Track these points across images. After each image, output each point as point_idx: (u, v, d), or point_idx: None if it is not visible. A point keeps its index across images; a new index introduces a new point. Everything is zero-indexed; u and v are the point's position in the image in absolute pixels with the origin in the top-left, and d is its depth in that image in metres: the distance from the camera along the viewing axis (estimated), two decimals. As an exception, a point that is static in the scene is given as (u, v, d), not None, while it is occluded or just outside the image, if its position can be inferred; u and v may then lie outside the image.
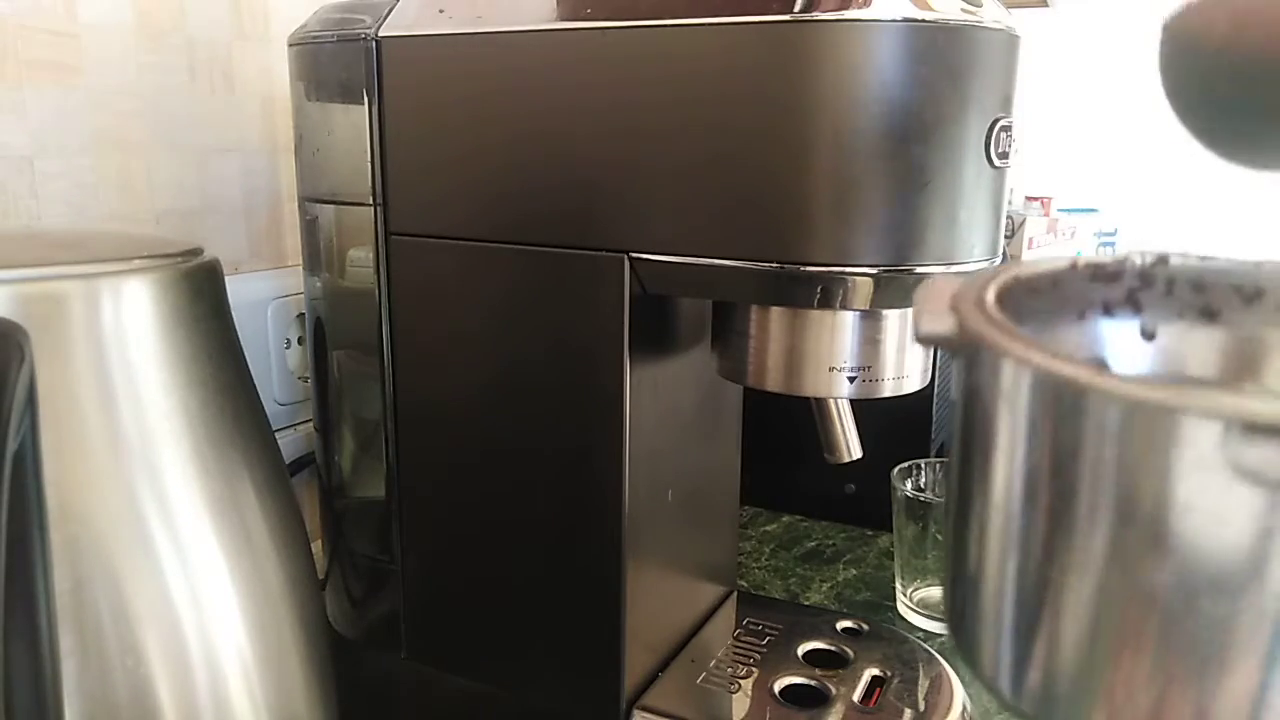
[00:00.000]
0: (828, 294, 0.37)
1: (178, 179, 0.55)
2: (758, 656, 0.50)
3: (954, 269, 0.37)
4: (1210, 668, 0.17)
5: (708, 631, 0.53)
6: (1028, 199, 1.04)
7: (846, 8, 0.34)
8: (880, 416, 0.50)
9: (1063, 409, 0.17)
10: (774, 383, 0.41)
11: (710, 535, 0.55)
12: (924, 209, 0.36)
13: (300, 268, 0.50)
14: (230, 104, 0.58)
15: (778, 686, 0.47)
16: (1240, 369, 0.23)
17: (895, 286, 0.37)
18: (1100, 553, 0.17)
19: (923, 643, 0.52)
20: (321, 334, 0.49)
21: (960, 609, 0.21)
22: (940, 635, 0.59)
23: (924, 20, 0.34)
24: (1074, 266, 0.23)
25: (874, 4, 0.34)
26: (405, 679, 0.51)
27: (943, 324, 0.20)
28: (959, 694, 0.47)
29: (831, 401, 0.44)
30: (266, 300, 0.60)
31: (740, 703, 0.46)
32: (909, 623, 0.61)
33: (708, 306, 0.46)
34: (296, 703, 0.38)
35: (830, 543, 0.73)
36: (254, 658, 0.35)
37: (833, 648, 0.51)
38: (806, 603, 0.63)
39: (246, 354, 0.39)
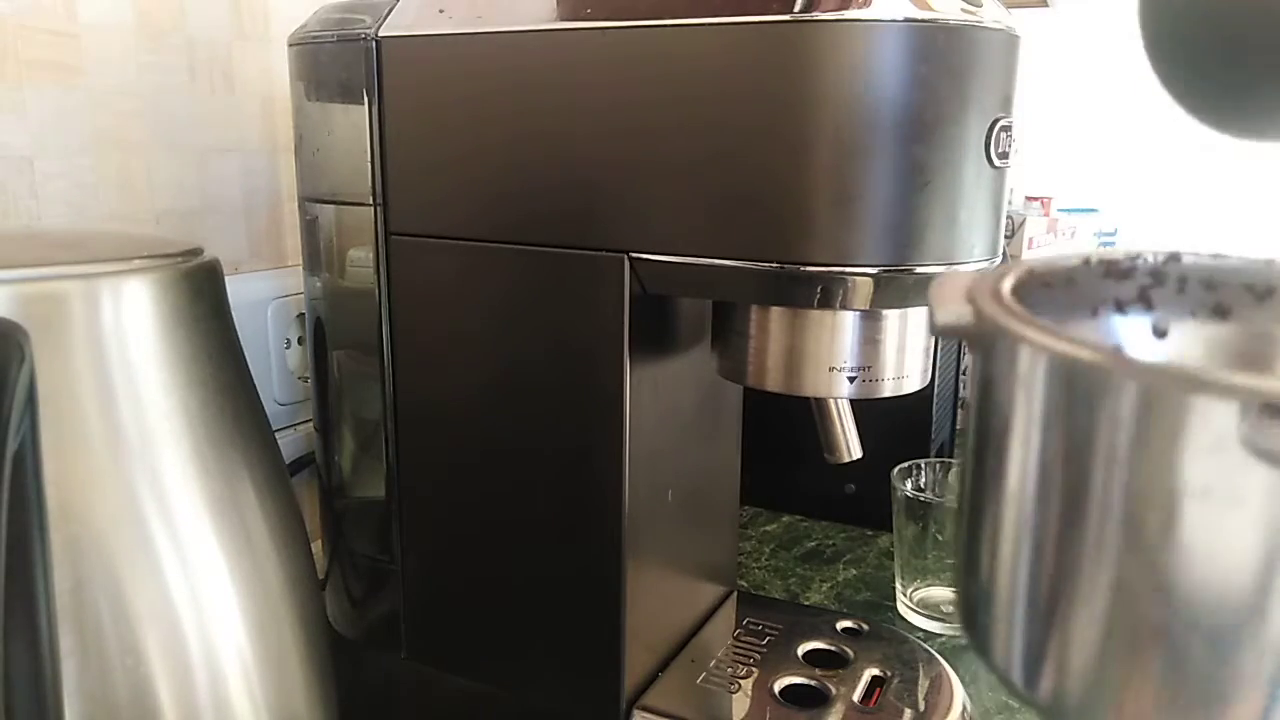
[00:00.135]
0: (828, 294, 0.37)
1: (178, 179, 0.55)
2: (758, 656, 0.50)
3: (954, 269, 0.37)
4: (1223, 655, 0.17)
5: (708, 631, 0.53)
6: (1028, 199, 1.04)
7: (846, 8, 0.34)
8: (880, 416, 0.51)
9: (1081, 392, 0.17)
10: (774, 383, 0.41)
11: (710, 535, 0.55)
12: (924, 209, 0.36)
13: (300, 268, 0.50)
14: (230, 104, 0.58)
15: (778, 686, 0.47)
16: (1252, 366, 0.23)
17: (895, 286, 0.37)
18: (1116, 540, 0.17)
19: (923, 643, 0.52)
20: (321, 334, 0.49)
21: (973, 603, 0.21)
22: (940, 635, 0.59)
23: (924, 20, 0.34)
24: (1087, 262, 0.23)
25: (874, 4, 0.34)
26: (405, 679, 0.51)
27: (959, 314, 0.20)
28: (959, 694, 0.47)
29: (831, 401, 0.44)
30: (266, 300, 0.60)
31: (740, 703, 0.46)
32: (909, 623, 0.61)
33: (708, 306, 0.46)
34: (296, 703, 0.38)
35: (830, 543, 0.73)
36: (254, 658, 0.35)
37: (833, 648, 0.51)
38: (806, 603, 0.63)
39: (246, 354, 0.39)
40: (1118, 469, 0.17)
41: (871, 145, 0.35)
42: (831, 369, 0.40)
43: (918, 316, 0.41)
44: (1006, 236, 0.91)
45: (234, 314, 0.38)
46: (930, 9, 0.34)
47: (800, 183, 0.36)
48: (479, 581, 0.47)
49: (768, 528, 0.75)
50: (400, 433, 0.47)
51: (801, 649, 0.50)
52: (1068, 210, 1.05)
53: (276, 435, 0.40)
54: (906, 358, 0.41)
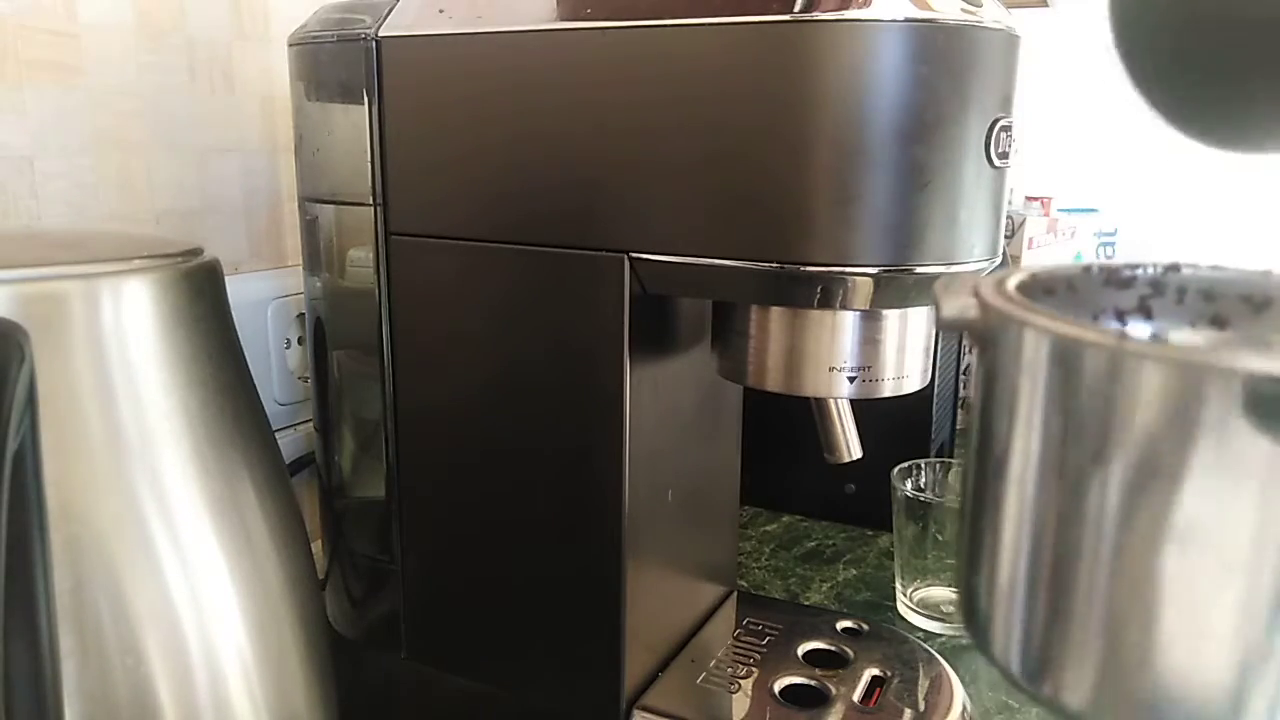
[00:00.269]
0: (828, 294, 0.37)
1: (178, 179, 0.56)
2: (758, 656, 0.50)
3: (954, 269, 0.37)
4: (1218, 634, 0.17)
5: (708, 631, 0.53)
6: (1028, 199, 1.04)
7: (846, 8, 0.34)
8: (880, 416, 0.50)
9: (1085, 375, 0.17)
10: (774, 383, 0.41)
11: (710, 535, 0.55)
12: (924, 209, 0.36)
13: (300, 268, 0.50)
14: (230, 104, 0.58)
15: (778, 686, 0.47)
16: None
17: (895, 286, 0.37)
18: (1118, 522, 0.17)
19: (923, 643, 0.52)
20: (321, 334, 0.49)
21: (975, 597, 0.22)
22: (940, 635, 0.59)
23: (924, 20, 0.34)
24: (1089, 271, 0.23)
25: (874, 4, 0.34)
26: (405, 679, 0.51)
27: (964, 307, 0.21)
28: (959, 694, 0.47)
29: (831, 401, 0.44)
30: (266, 300, 0.60)
31: (740, 703, 0.46)
32: (909, 623, 0.61)
33: (708, 306, 0.46)
34: (296, 703, 0.38)
35: (830, 543, 0.73)
36: (254, 658, 0.35)
37: (833, 648, 0.51)
38: (806, 603, 0.63)
39: (246, 354, 0.39)
40: (1123, 448, 0.17)
41: (871, 145, 0.35)
42: (831, 369, 0.40)
43: (918, 316, 0.41)
44: (1006, 236, 0.91)
45: (234, 314, 0.38)
46: (930, 9, 0.34)
47: (800, 183, 0.36)
48: (479, 581, 0.47)
49: (768, 528, 0.75)
50: (400, 433, 0.47)
51: (801, 649, 0.50)
52: (1068, 210, 1.05)
53: (276, 435, 0.40)
54: (906, 358, 0.41)
